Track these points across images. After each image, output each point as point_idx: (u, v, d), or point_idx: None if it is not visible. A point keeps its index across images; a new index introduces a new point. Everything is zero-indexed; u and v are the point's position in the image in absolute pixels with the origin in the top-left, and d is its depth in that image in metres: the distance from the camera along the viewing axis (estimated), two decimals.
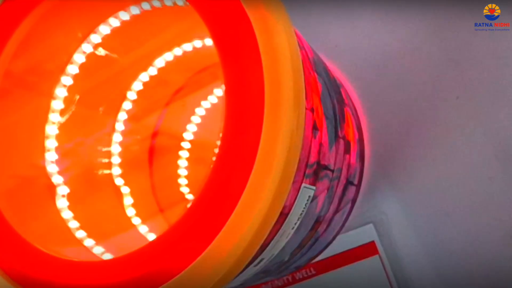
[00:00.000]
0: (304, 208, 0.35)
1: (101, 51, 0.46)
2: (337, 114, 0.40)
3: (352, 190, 0.47)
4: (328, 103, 0.38)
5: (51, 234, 0.40)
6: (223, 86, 0.32)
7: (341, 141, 0.41)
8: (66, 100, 0.45)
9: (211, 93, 0.63)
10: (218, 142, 0.72)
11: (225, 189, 0.29)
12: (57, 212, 0.42)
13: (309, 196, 0.35)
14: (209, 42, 0.52)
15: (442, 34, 0.50)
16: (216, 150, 0.70)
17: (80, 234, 0.42)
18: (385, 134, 0.51)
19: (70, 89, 0.45)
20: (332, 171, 0.39)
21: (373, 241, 0.50)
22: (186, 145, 0.63)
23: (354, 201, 0.49)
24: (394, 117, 0.51)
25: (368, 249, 0.50)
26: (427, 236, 0.48)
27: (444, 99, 0.49)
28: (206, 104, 0.64)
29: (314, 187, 0.36)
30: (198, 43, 0.52)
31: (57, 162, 0.45)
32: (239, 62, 0.31)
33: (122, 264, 0.30)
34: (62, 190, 0.44)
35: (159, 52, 0.51)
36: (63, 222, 0.42)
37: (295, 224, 0.35)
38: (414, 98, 0.50)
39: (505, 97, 0.47)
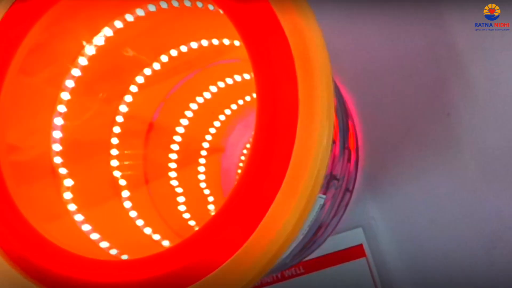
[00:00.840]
0: (315, 215, 0.37)
1: (111, 44, 0.46)
2: (345, 126, 0.42)
3: (347, 196, 0.50)
4: (340, 115, 0.40)
5: (58, 226, 0.41)
6: (255, 95, 0.33)
7: (346, 151, 0.43)
8: (73, 92, 0.45)
9: (206, 89, 0.64)
10: (207, 137, 0.74)
11: (256, 194, 0.30)
12: (63, 203, 0.42)
13: (320, 205, 0.37)
14: (215, 41, 0.53)
15: (439, 52, 0.53)
16: (204, 144, 0.72)
17: (86, 227, 0.42)
18: (378, 143, 0.53)
19: (78, 80, 0.45)
20: (338, 180, 0.41)
21: (361, 244, 0.52)
22: (177, 138, 0.64)
23: (347, 205, 0.51)
24: (387, 128, 0.53)
25: (356, 252, 0.52)
26: (412, 242, 0.51)
27: (436, 114, 0.52)
28: (200, 99, 0.65)
29: (325, 196, 0.37)
30: (204, 42, 0.52)
31: (62, 153, 0.45)
32: (272, 70, 0.32)
33: (162, 258, 0.31)
34: (68, 182, 0.44)
35: (166, 48, 0.51)
36: (69, 214, 0.42)
37: (305, 230, 0.37)
38: (408, 111, 0.53)
39: (494, 117, 0.50)
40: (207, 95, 0.65)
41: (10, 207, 0.37)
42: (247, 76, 0.64)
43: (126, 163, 0.55)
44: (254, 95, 0.75)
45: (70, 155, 0.46)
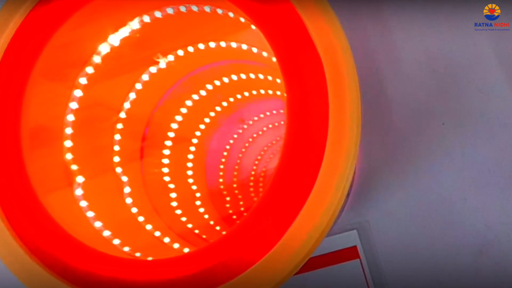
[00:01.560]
0: None
1: (126, 44, 0.46)
2: None
3: (346, 199, 0.51)
4: None
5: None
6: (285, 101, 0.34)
7: None
8: (86, 88, 0.46)
9: (203, 87, 0.65)
10: (197, 133, 0.75)
11: (288, 197, 0.32)
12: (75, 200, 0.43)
13: None
14: (223, 44, 0.54)
15: (435, 63, 0.55)
16: (194, 140, 0.73)
17: (98, 224, 0.43)
18: (374, 150, 0.56)
19: (90, 78, 0.46)
20: None
21: (355, 246, 0.55)
22: (171, 134, 0.65)
23: (343, 209, 0.53)
24: (382, 135, 0.56)
25: (350, 253, 0.55)
26: (404, 245, 0.54)
27: (431, 123, 0.54)
28: (195, 96, 0.66)
29: None
30: (212, 44, 0.53)
31: (72, 148, 0.45)
32: (303, 79, 0.33)
33: (196, 257, 0.32)
34: (79, 179, 0.44)
35: (174, 48, 0.52)
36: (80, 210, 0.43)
37: None
38: (404, 120, 0.55)
39: (486, 129, 0.53)
40: (203, 92, 0.66)
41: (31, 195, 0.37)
42: (243, 76, 0.65)
43: (126, 158, 0.56)
44: (246, 94, 0.77)
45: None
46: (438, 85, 0.55)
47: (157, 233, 0.53)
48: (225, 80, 0.66)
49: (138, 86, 0.54)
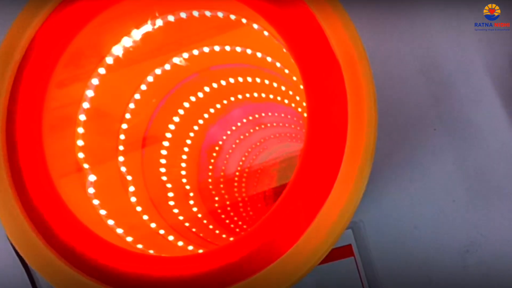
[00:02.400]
0: None
1: (136, 45, 0.47)
2: None
3: None
4: None
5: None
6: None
7: None
8: (97, 89, 0.46)
9: (194, 94, 0.66)
10: (188, 141, 0.76)
11: (313, 189, 0.34)
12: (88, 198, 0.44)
13: None
14: (228, 48, 0.55)
15: (429, 73, 0.58)
16: (186, 149, 0.75)
17: (111, 222, 0.44)
18: None
19: (102, 78, 0.47)
20: None
21: (350, 245, 0.57)
22: (165, 143, 0.67)
23: None
24: (379, 139, 0.58)
25: (345, 251, 0.57)
26: (397, 244, 0.56)
27: (424, 129, 0.57)
28: (186, 104, 0.67)
29: None
30: (217, 48, 0.55)
31: (83, 147, 0.46)
32: (322, 82, 0.35)
33: (228, 248, 0.34)
34: (91, 177, 0.45)
35: (180, 51, 0.53)
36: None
37: None
38: (398, 125, 0.58)
39: (475, 136, 0.56)
40: (193, 98, 0.67)
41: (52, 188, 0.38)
42: (240, 79, 0.67)
43: (129, 156, 0.57)
44: (240, 96, 0.79)
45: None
46: (431, 93, 0.57)
47: (162, 231, 0.54)
48: (223, 83, 0.67)
49: (143, 87, 0.55)
